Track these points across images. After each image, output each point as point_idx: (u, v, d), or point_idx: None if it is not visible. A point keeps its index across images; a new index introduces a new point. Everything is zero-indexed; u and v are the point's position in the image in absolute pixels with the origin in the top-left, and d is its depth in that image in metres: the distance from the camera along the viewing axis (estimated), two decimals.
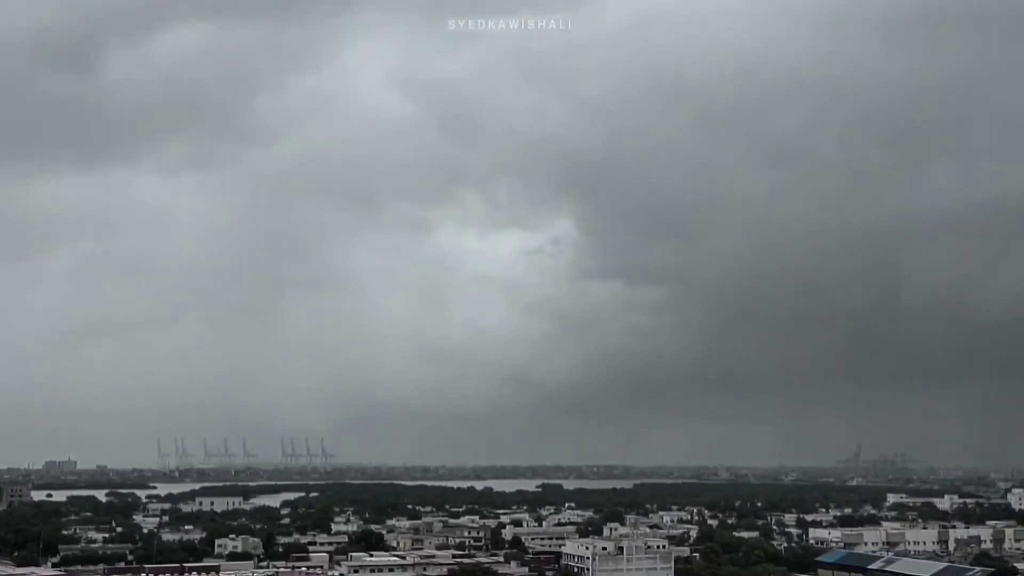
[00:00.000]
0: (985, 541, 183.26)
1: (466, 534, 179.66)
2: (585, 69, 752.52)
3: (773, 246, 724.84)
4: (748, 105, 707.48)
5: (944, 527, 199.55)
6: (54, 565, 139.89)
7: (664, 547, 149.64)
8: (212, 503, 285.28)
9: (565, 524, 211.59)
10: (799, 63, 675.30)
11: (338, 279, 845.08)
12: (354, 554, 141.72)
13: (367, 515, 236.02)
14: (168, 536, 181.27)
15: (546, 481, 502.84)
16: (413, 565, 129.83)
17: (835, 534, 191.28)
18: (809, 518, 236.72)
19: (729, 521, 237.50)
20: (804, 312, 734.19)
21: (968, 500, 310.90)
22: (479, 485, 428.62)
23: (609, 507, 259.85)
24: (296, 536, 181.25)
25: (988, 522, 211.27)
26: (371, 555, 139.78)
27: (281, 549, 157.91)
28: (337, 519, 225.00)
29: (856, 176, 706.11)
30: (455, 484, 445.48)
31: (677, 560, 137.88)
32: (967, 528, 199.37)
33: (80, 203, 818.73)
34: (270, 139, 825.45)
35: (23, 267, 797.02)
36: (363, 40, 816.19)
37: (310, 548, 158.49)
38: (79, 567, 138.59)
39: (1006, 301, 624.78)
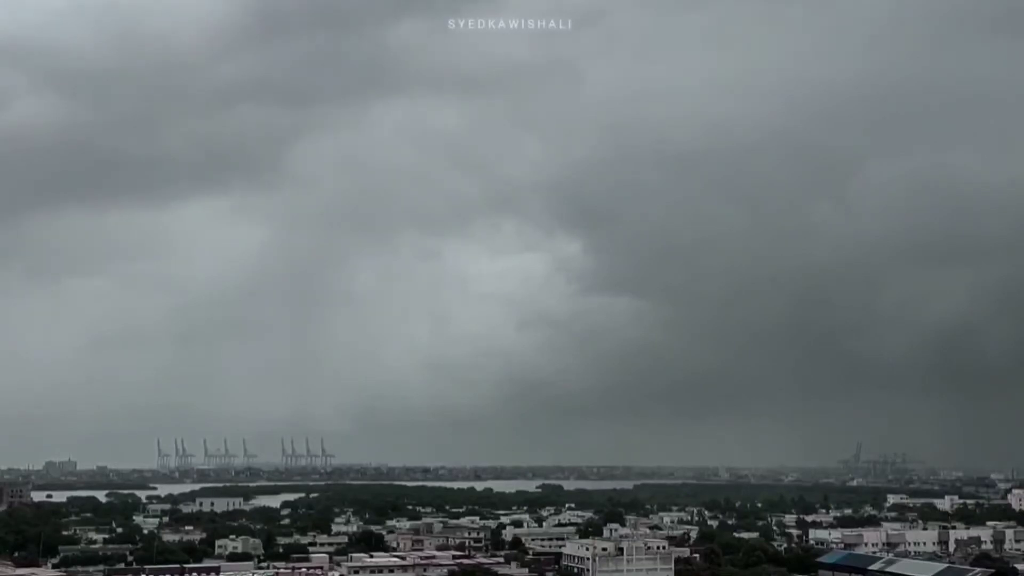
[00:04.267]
0: (985, 542, 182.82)
1: (466, 535, 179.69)
2: (580, 128, 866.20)
3: (755, 271, 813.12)
4: (724, 161, 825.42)
5: (944, 528, 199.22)
6: (54, 566, 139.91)
7: (664, 548, 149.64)
8: (212, 504, 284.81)
9: (565, 525, 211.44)
10: (766, 128, 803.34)
11: (350, 299, 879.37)
12: (354, 555, 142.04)
13: (367, 516, 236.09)
14: (168, 537, 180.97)
15: (546, 482, 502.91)
16: (413, 566, 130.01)
17: (835, 535, 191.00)
18: (809, 519, 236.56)
19: (729, 522, 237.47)
20: (792, 326, 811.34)
21: (968, 501, 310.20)
22: (479, 486, 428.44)
23: (609, 508, 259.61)
24: (296, 537, 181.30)
25: (988, 523, 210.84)
26: (371, 556, 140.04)
27: (281, 550, 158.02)
28: (337, 520, 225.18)
29: (809, 217, 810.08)
30: (455, 485, 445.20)
31: (677, 561, 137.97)
32: (967, 529, 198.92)
33: (118, 235, 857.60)
34: (299, 186, 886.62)
35: (57, 287, 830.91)
36: (387, 113, 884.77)
37: (310, 549, 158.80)
38: (79, 568, 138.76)
39: (960, 312, 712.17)
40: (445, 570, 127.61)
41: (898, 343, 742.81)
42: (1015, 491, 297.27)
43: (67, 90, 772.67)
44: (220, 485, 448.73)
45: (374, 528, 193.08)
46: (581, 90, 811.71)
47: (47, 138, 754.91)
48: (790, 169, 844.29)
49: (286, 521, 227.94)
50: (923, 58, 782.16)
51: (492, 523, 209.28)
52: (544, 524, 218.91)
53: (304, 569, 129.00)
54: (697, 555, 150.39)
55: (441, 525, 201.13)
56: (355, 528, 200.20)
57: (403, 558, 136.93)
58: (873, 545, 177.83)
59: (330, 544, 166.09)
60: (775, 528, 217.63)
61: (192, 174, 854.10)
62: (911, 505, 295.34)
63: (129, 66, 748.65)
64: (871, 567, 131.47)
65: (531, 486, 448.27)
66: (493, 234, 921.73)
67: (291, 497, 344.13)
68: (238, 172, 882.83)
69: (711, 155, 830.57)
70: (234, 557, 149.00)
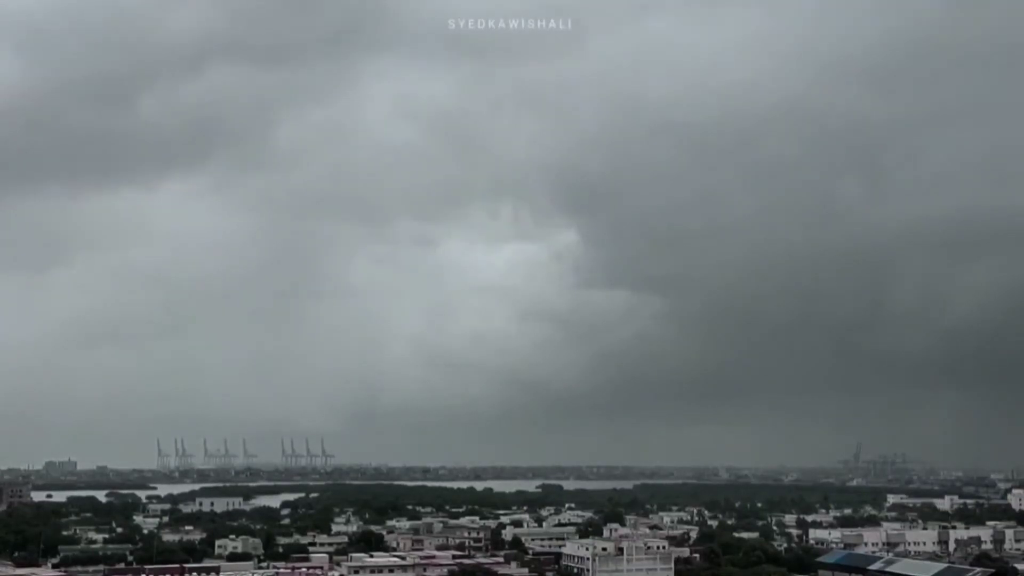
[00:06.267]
0: (985, 542, 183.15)
1: (466, 535, 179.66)
2: (580, 99, 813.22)
3: (764, 261, 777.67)
4: (734, 133, 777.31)
5: (944, 528, 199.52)
6: (54, 566, 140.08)
7: (664, 548, 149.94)
8: (212, 503, 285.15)
9: (565, 525, 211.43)
10: (780, 97, 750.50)
11: (345, 289, 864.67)
12: (354, 555, 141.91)
13: (367, 516, 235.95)
14: (168, 537, 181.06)
15: (546, 482, 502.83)
16: (413, 566, 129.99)
17: (835, 535, 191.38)
18: (809, 519, 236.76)
19: (729, 522, 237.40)
20: (797, 321, 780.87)
21: (968, 501, 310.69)
22: (479, 486, 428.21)
23: (609, 508, 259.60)
24: (296, 537, 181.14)
25: (988, 523, 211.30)
26: (371, 556, 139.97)
27: (281, 550, 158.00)
28: (337, 520, 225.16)
29: (832, 198, 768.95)
30: (455, 485, 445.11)
31: (677, 561, 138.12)
32: (967, 529, 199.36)
33: (101, 219, 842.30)
34: (286, 165, 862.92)
35: (40, 277, 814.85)
36: (375, 78, 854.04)
37: (310, 549, 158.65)
38: (79, 568, 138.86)
39: (977, 307, 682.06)
40: (445, 570, 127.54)
41: (909, 339, 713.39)
42: (1015, 491, 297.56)
43: (7, 43, 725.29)
44: (220, 485, 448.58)
45: (374, 528, 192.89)
46: (580, 53, 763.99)
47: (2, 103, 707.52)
48: (809, 143, 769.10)
49: (286, 521, 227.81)
50: (955, 13, 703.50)
51: (492, 523, 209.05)
52: (544, 524, 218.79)
53: (304, 569, 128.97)
54: (697, 555, 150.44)
55: (441, 525, 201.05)
56: (355, 528, 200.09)
57: (403, 558, 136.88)
58: (873, 545, 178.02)
59: (330, 544, 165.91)
60: (775, 528, 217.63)
61: (171, 149, 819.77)
62: (911, 505, 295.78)
63: (74, 17, 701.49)
64: (871, 567, 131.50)
65: (531, 486, 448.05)
66: (490, 220, 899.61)
67: (291, 497, 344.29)
68: (219, 147, 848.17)
69: (720, 128, 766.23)
70: (234, 557, 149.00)
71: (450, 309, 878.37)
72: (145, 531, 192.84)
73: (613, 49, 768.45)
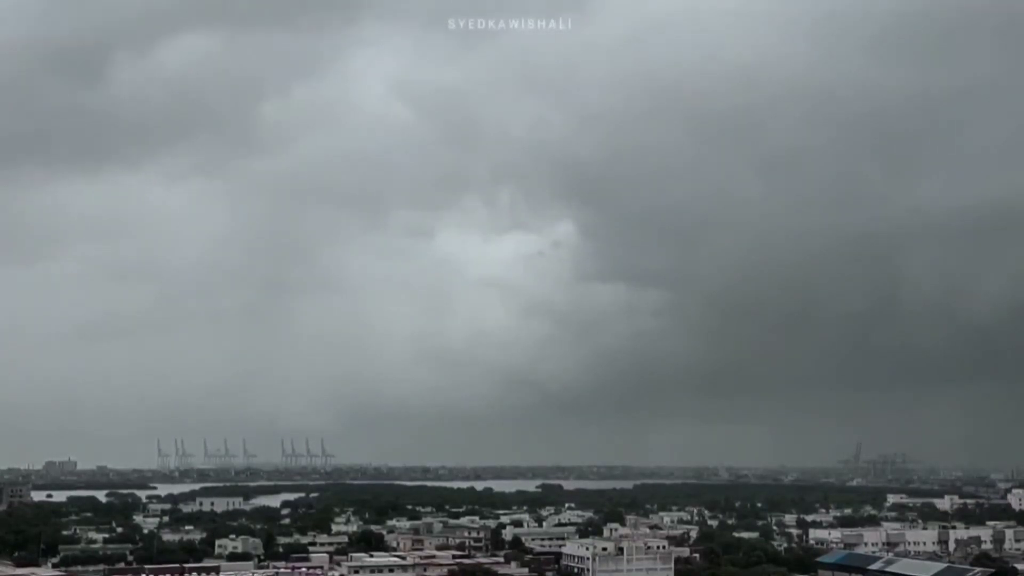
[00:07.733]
0: (985, 542, 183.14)
1: (466, 534, 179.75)
2: (583, 78, 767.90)
3: (769, 250, 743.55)
4: (743, 114, 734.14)
5: (944, 527, 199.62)
6: (54, 566, 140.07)
7: (664, 547, 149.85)
8: (212, 503, 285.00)
9: (565, 524, 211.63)
10: (792, 73, 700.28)
11: (340, 282, 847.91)
12: (354, 554, 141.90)
13: (367, 515, 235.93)
14: (168, 536, 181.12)
15: (546, 481, 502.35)
16: (413, 566, 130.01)
17: (835, 535, 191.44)
18: (809, 518, 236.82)
19: (729, 521, 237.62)
20: (801, 314, 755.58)
21: (968, 500, 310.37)
22: (479, 485, 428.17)
23: (609, 507, 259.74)
24: (296, 536, 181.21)
25: (988, 522, 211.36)
26: (371, 555, 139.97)
27: (281, 549, 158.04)
28: (337, 519, 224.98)
29: (847, 182, 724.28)
30: (455, 484, 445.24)
31: (677, 561, 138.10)
32: (967, 529, 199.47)
33: (85, 208, 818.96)
34: (274, 146, 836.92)
35: (29, 270, 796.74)
36: (366, 50, 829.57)
37: (310, 548, 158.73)
38: (79, 567, 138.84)
39: (996, 303, 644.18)
40: (445, 570, 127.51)
41: (919, 335, 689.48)
42: (1015, 491, 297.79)
43: None
44: (220, 485, 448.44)
45: (374, 528, 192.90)
46: (580, 28, 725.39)
47: None
48: (824, 125, 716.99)
49: (286, 521, 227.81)
50: None
51: (492, 523, 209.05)
52: (544, 524, 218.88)
53: (304, 569, 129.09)
54: (697, 555, 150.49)
55: (441, 525, 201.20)
56: (355, 528, 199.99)
57: (403, 558, 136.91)
58: (873, 545, 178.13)
59: (330, 544, 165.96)
60: (775, 528, 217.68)
61: (149, 127, 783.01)
62: (911, 505, 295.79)
63: None
64: (871, 567, 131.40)
65: (531, 486, 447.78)
66: (486, 209, 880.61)
67: (291, 497, 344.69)
68: (202, 126, 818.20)
69: (727, 110, 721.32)
70: (234, 557, 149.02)
71: (448, 304, 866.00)
72: (145, 531, 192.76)
73: (616, 22, 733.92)
